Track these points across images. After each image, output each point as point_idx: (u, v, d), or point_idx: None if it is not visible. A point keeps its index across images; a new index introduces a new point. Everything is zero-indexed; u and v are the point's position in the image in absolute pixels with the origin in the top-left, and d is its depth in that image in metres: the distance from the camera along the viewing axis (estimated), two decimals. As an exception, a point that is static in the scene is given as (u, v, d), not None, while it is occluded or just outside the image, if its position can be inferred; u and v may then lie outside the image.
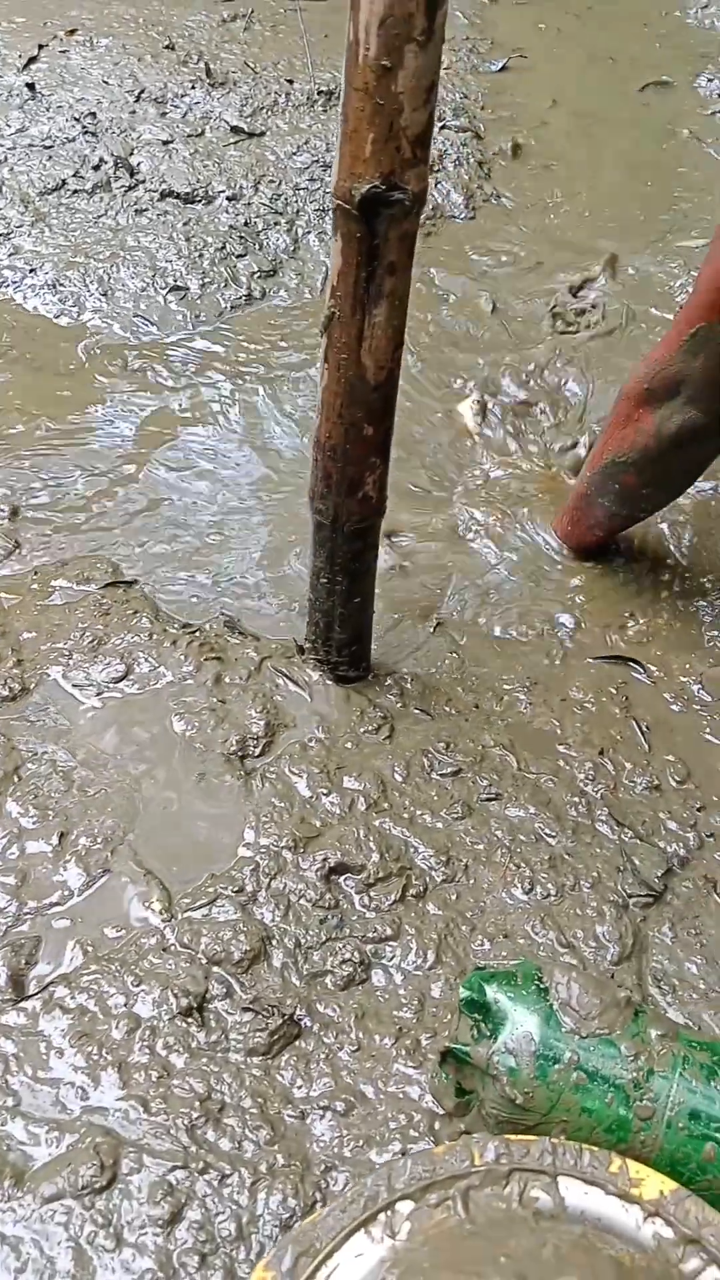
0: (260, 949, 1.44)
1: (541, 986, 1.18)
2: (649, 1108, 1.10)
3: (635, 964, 1.47)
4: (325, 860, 1.53)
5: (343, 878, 1.53)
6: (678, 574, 2.07)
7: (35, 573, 1.95)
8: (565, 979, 1.17)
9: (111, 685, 1.75)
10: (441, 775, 1.67)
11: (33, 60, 3.40)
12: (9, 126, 3.09)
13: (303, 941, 1.45)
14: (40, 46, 3.46)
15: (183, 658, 1.78)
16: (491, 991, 1.18)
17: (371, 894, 1.51)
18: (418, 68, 1.14)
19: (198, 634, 1.84)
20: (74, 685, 1.75)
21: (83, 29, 3.57)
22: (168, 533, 2.10)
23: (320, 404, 1.46)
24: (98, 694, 1.74)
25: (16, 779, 1.62)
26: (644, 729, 1.80)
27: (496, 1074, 1.14)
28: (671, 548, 2.11)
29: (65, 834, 1.56)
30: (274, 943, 1.45)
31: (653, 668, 1.91)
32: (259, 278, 2.72)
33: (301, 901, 1.49)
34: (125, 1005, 1.38)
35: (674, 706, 1.86)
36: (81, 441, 2.29)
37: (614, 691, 1.87)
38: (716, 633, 1.97)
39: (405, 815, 1.61)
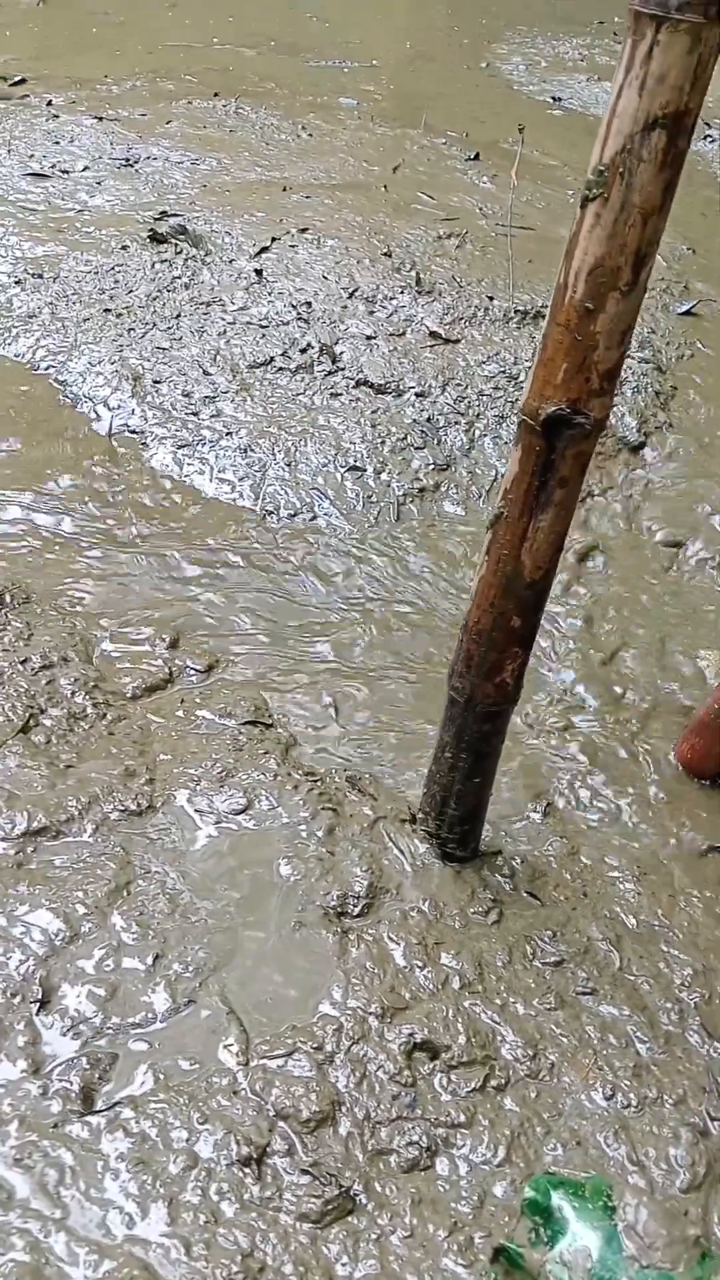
0: (329, 1112, 1.43)
1: (609, 1204, 1.15)
2: None
3: (704, 1196, 1.39)
4: (410, 1035, 1.52)
5: (425, 1056, 1.51)
6: None
7: (182, 701, 2.06)
8: (636, 1202, 1.13)
9: (231, 816, 1.82)
10: (543, 964, 1.66)
11: (264, 250, 3.78)
12: (233, 304, 3.42)
13: (373, 1114, 1.44)
14: (273, 239, 3.85)
15: (301, 803, 1.85)
16: (557, 1198, 1.15)
17: (452, 1077, 1.49)
18: (618, 313, 1.26)
19: (319, 782, 1.90)
20: (196, 810, 1.83)
21: (313, 229, 3.96)
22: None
23: (474, 591, 1.55)
24: (216, 822, 1.81)
25: (126, 893, 1.68)
26: None
27: (549, 1286, 1.11)
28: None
29: (160, 956, 1.60)
30: (344, 1109, 1.44)
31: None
32: (433, 470, 2.90)
33: (379, 1072, 1.48)
34: (186, 1141, 1.39)
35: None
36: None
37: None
38: None
39: (498, 1000, 1.59)
